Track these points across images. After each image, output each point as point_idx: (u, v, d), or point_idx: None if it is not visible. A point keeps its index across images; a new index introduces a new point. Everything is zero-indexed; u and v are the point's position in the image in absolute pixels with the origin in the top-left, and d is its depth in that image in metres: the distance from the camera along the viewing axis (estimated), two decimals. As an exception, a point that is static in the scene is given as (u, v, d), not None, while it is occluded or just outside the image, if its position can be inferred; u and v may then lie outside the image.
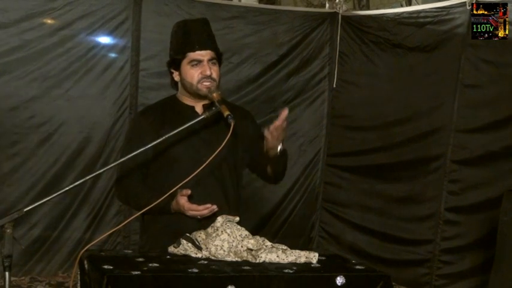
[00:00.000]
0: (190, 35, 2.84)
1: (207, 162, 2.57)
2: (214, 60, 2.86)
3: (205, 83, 2.83)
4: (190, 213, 2.71)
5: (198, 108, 2.90)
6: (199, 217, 2.71)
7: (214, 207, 2.69)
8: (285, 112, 2.69)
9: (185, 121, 2.64)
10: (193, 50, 2.83)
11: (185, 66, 2.85)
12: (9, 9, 4.81)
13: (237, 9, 5.57)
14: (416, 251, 5.13)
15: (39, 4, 4.89)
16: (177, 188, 2.61)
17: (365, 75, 5.58)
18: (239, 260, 2.47)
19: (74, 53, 5.00)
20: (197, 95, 2.87)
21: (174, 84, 2.97)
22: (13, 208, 4.67)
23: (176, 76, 2.92)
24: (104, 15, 5.04)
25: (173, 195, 2.68)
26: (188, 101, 2.93)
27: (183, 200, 2.69)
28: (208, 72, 2.82)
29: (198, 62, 2.83)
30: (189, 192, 2.68)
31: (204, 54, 2.83)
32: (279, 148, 2.78)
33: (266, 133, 2.72)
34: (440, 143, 4.99)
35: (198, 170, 2.56)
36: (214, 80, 2.83)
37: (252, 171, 3.10)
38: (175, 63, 2.89)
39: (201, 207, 2.69)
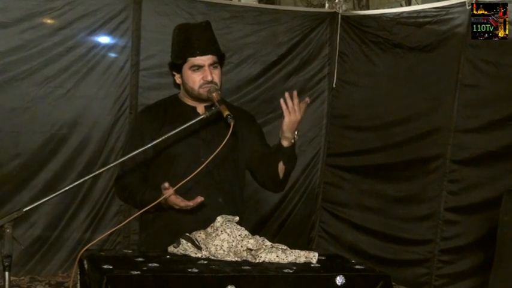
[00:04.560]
0: (191, 40, 2.83)
1: (206, 162, 2.57)
2: (215, 64, 2.85)
3: (207, 88, 2.82)
4: (176, 207, 2.67)
5: (200, 108, 2.90)
6: (187, 208, 2.66)
7: (198, 201, 2.63)
8: (295, 93, 2.74)
9: (186, 121, 2.64)
10: (194, 55, 2.82)
11: (186, 71, 2.85)
12: (9, 9, 4.82)
13: (237, 9, 5.57)
14: (416, 251, 5.13)
15: (39, 4, 4.89)
16: (175, 188, 2.61)
17: (365, 75, 5.58)
18: (239, 259, 2.47)
19: (74, 53, 5.01)
20: (199, 99, 2.87)
21: (177, 84, 2.96)
22: (13, 208, 4.67)
23: (178, 79, 2.91)
24: (104, 15, 5.04)
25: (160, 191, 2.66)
26: (190, 101, 2.92)
27: (170, 197, 2.64)
28: (209, 78, 2.81)
29: (199, 67, 2.83)
30: (165, 185, 2.61)
31: (205, 60, 2.82)
32: (295, 134, 2.78)
33: (285, 112, 2.72)
34: (440, 143, 4.99)
35: (197, 171, 2.55)
36: (215, 84, 2.83)
37: (253, 174, 3.06)
38: (176, 67, 2.88)
39: (182, 203, 2.63)
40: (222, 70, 2.91)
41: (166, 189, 2.61)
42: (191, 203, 2.64)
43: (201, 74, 2.82)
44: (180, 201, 2.65)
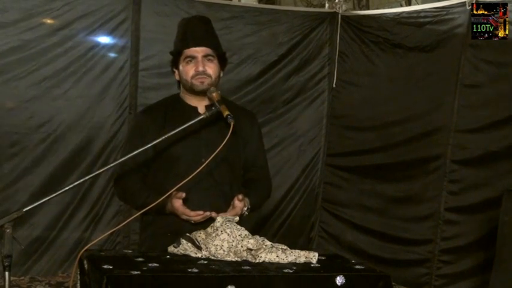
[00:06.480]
0: (186, 33, 2.85)
1: (205, 163, 2.57)
2: (210, 57, 2.84)
3: (199, 79, 2.82)
4: (184, 217, 2.71)
5: (201, 108, 2.88)
6: (192, 222, 2.71)
7: (207, 214, 2.68)
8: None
9: (187, 121, 2.64)
10: (188, 47, 2.83)
11: (181, 63, 2.86)
12: (9, 9, 4.81)
13: (236, 9, 5.57)
14: (416, 251, 5.13)
15: (39, 4, 4.89)
16: (175, 189, 2.60)
17: (365, 75, 5.58)
18: (239, 259, 2.46)
19: (73, 53, 5.00)
20: (193, 92, 2.86)
21: (178, 84, 2.96)
22: (12, 208, 4.67)
23: (177, 75, 2.91)
24: (103, 15, 5.04)
25: (170, 196, 2.68)
26: (191, 100, 2.91)
27: (177, 203, 2.68)
28: (200, 68, 2.81)
29: (192, 59, 2.83)
30: (183, 195, 2.66)
31: (198, 51, 2.82)
32: (245, 210, 2.80)
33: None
34: (440, 143, 4.99)
35: (197, 171, 2.55)
36: (208, 75, 2.82)
37: None
38: (174, 61, 2.89)
39: (193, 213, 2.69)
40: (221, 67, 2.89)
41: (179, 197, 2.65)
42: (199, 217, 2.67)
43: (194, 66, 2.82)
44: (188, 212, 2.68)
